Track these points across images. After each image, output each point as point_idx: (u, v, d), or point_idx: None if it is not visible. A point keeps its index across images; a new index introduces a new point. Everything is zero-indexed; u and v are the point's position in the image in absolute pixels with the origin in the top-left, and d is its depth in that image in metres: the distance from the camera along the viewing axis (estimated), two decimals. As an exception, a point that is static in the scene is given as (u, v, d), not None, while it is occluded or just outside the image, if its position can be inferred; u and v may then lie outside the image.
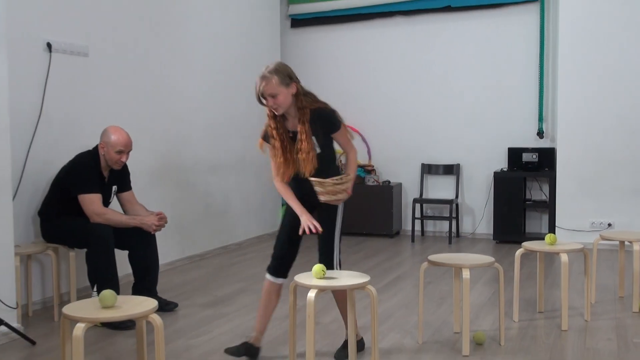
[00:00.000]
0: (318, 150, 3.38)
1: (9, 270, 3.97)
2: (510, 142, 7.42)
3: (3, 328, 3.81)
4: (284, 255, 3.53)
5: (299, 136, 3.33)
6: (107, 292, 2.72)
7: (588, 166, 6.77)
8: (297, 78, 3.38)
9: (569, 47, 6.79)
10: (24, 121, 4.57)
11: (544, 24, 7.31)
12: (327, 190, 3.28)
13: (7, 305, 3.89)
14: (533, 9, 7.37)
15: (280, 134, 3.37)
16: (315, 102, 3.41)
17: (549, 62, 7.32)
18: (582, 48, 6.73)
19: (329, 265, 3.39)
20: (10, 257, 3.99)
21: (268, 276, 3.54)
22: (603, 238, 4.74)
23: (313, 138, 3.35)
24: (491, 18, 7.53)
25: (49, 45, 4.76)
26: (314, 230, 3.32)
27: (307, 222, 3.32)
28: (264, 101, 3.30)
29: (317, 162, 3.35)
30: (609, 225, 6.73)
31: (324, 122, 3.39)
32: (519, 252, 4.25)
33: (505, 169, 7.34)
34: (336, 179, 3.27)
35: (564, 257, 4.02)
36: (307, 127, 3.32)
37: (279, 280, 3.53)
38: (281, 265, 3.53)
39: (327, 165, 3.43)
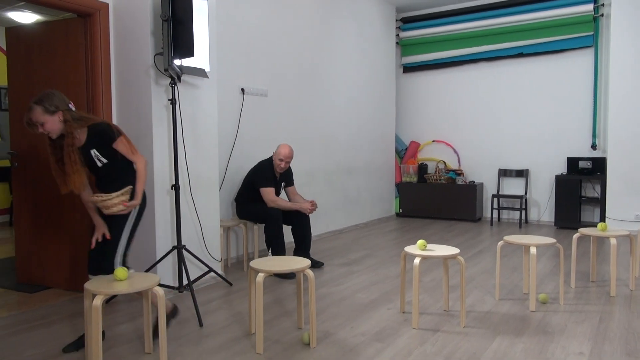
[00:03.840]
0: (104, 161, 2.65)
1: (216, 237, 4.15)
2: (569, 153, 6.92)
3: (212, 274, 4.03)
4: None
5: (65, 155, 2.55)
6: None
7: (633, 171, 6.10)
8: (67, 106, 2.57)
9: (617, 80, 6.14)
10: (226, 140, 4.80)
11: (597, 63, 6.68)
12: (101, 205, 2.56)
13: (214, 259, 4.11)
14: (589, 52, 6.76)
15: (55, 157, 2.59)
16: (90, 120, 2.62)
17: (602, 91, 6.67)
18: (629, 80, 6.07)
19: (108, 268, 2.60)
20: (217, 228, 4.17)
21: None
22: (646, 227, 4.24)
23: (94, 152, 2.61)
24: (555, 61, 6.99)
25: (242, 90, 4.95)
26: (105, 238, 2.64)
27: (99, 233, 2.65)
28: (33, 128, 2.54)
29: (101, 173, 2.67)
30: (651, 217, 6.05)
31: (99, 135, 2.59)
32: (575, 235, 3.89)
33: (565, 173, 6.79)
34: (105, 196, 2.54)
35: (613, 241, 3.63)
36: (73, 146, 2.54)
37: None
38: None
39: (117, 175, 2.67)
